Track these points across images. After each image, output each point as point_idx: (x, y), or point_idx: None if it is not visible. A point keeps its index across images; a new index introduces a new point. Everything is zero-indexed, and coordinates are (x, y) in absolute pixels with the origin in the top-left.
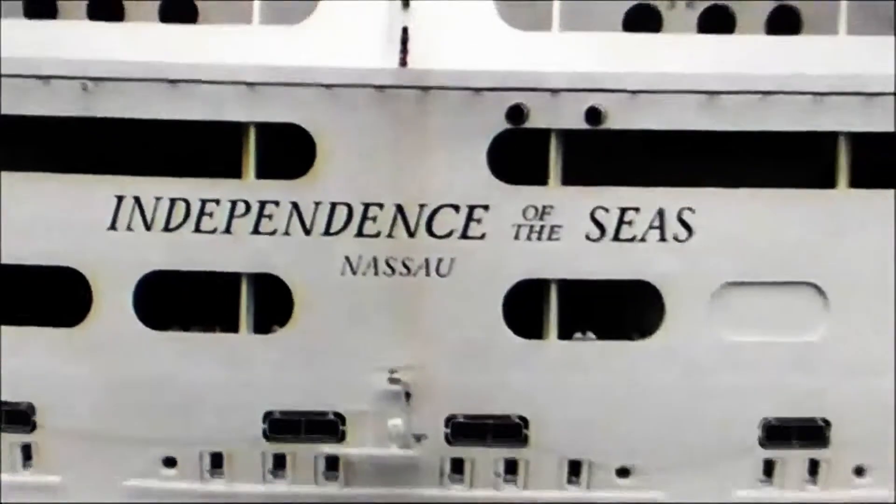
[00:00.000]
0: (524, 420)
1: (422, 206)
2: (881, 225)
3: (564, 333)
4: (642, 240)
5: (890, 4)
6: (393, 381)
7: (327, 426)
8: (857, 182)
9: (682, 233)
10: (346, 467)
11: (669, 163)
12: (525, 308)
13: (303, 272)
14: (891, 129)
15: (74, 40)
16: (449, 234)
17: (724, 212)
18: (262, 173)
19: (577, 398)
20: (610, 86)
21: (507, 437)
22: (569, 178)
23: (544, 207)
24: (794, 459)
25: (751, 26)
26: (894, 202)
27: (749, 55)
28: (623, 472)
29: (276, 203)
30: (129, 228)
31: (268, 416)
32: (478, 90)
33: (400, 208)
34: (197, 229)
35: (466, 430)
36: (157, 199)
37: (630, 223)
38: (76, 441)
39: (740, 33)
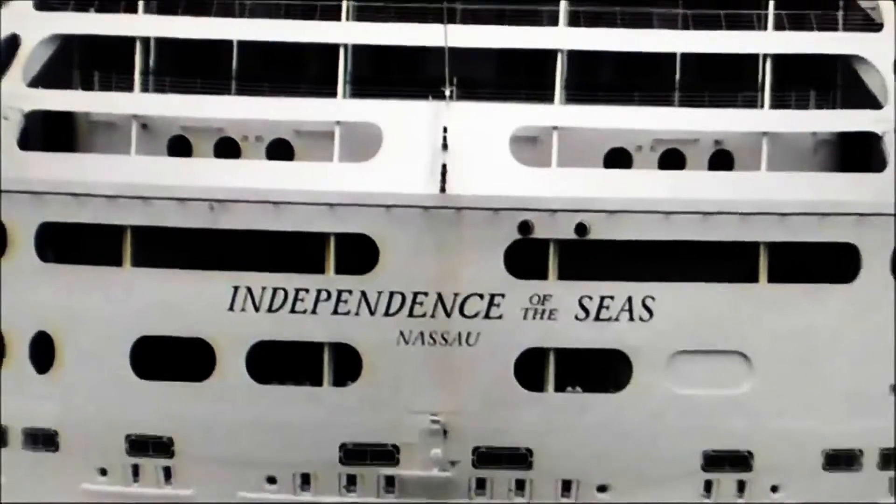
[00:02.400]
0: (530, 450)
1: (455, 294)
2: (792, 308)
3: (559, 387)
4: (616, 319)
5: (799, 148)
6: (434, 422)
7: (386, 454)
8: (774, 277)
9: (645, 315)
10: (400, 485)
11: (636, 263)
12: (531, 369)
13: (369, 342)
14: (800, 239)
15: (204, 173)
16: (475, 315)
17: (676, 299)
18: (340, 269)
19: (568, 435)
20: (593, 207)
21: (517, 463)
22: (563, 275)
23: (544, 296)
24: (726, 480)
25: (697, 164)
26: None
27: (695, 186)
28: (602, 489)
29: (350, 292)
30: (242, 310)
31: (342, 447)
32: (496, 210)
33: (440, 296)
34: (292, 310)
35: (487, 457)
36: (263, 288)
37: (607, 307)
38: (204, 464)
39: (689, 169)
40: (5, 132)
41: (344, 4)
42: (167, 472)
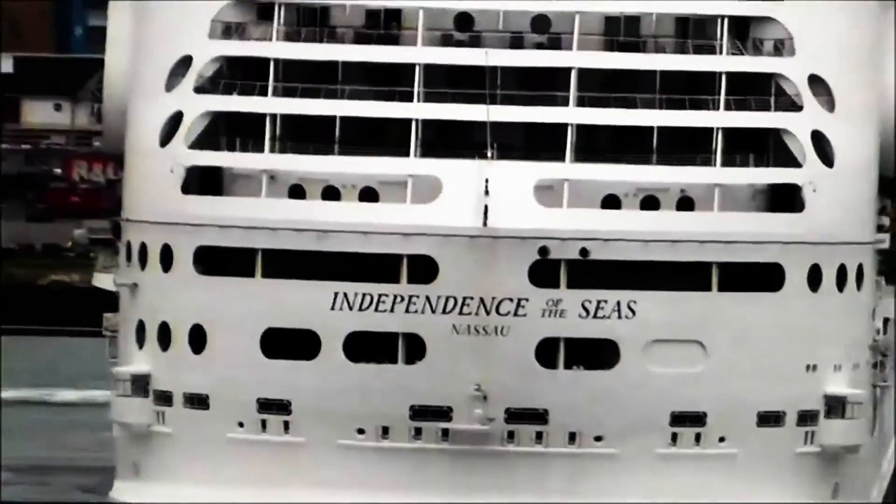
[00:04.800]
0: (546, 411)
1: (493, 298)
2: (735, 309)
3: (567, 366)
4: (608, 317)
5: (742, 195)
6: (477, 390)
7: (443, 413)
8: (723, 287)
9: (630, 314)
10: (452, 435)
11: (624, 277)
12: (547, 352)
13: (431, 332)
14: (741, 260)
15: (314, 211)
16: (507, 314)
17: (652, 303)
18: (410, 280)
19: (573, 400)
20: (593, 237)
21: (537, 420)
22: (570, 284)
23: (557, 300)
24: (686, 432)
25: (668, 206)
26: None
27: (666, 222)
28: (598, 438)
29: (418, 296)
30: (340, 309)
31: (412, 407)
32: (523, 238)
33: (482, 300)
34: (376, 309)
35: (515, 416)
36: (355, 294)
37: (602, 308)
38: (311, 419)
39: (662, 210)
40: (173, 182)
41: (415, 90)
42: (286, 425)
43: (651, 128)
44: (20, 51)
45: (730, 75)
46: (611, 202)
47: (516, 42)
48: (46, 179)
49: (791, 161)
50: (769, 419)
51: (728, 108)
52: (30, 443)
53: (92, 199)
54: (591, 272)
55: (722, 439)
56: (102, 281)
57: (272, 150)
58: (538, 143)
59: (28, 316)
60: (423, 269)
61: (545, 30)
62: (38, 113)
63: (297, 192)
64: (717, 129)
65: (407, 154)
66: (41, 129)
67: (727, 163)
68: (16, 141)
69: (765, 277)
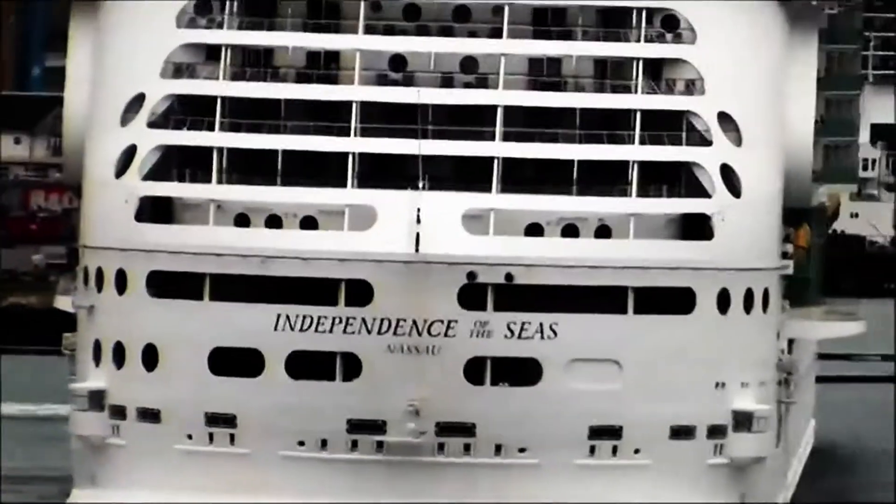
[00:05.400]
0: (474, 424)
1: (425, 320)
2: (649, 331)
3: (494, 382)
4: (531, 338)
5: (656, 224)
6: (410, 405)
7: (378, 426)
8: (638, 310)
9: (552, 335)
10: (387, 447)
11: (546, 299)
12: (475, 370)
13: (367, 352)
14: (655, 285)
15: (258, 238)
16: (438, 334)
17: (572, 324)
18: (348, 303)
19: (499, 414)
20: (517, 262)
21: (466, 433)
22: (497, 307)
23: (485, 321)
24: (604, 445)
25: (587, 234)
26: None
27: (585, 249)
28: (521, 450)
29: (355, 318)
30: (283, 330)
31: (349, 421)
32: (452, 264)
33: (414, 321)
34: (316, 330)
35: (445, 429)
36: (297, 315)
37: (526, 329)
38: (255, 432)
39: (581, 238)
40: (128, 211)
41: (352, 126)
42: (232, 438)
43: (571, 161)
44: None
45: (644, 112)
46: (534, 230)
47: (446, 81)
48: (6, 208)
49: (701, 192)
50: (681, 433)
51: (643, 142)
52: None
53: (49, 227)
54: (515, 296)
55: (637, 451)
56: (62, 303)
57: (219, 182)
58: (467, 175)
59: None
60: (360, 292)
61: (473, 70)
62: None
63: (242, 220)
64: (633, 162)
65: (344, 185)
66: (2, 161)
67: (642, 193)
68: None
69: (677, 301)
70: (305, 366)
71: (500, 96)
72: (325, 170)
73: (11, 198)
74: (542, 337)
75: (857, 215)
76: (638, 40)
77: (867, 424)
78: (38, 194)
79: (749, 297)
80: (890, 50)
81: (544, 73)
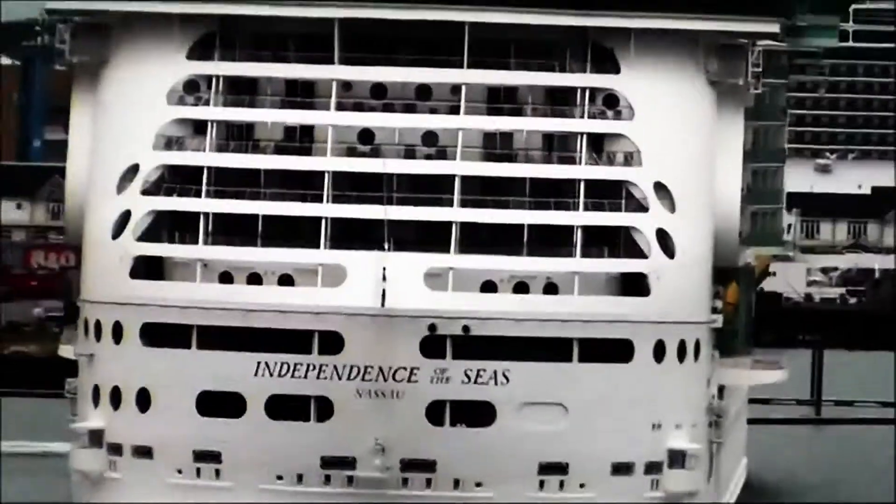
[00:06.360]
0: (434, 461)
1: (390, 367)
2: (593, 378)
3: (452, 424)
4: (486, 384)
5: (598, 281)
6: (377, 443)
7: (349, 462)
8: (583, 358)
9: (504, 381)
10: (356, 481)
11: (499, 349)
12: (435, 412)
13: (338, 396)
14: (597, 336)
15: (240, 294)
16: (402, 380)
17: (523, 371)
18: (321, 352)
19: (457, 452)
20: (473, 316)
21: (427, 468)
22: (455, 356)
23: (443, 369)
24: (552, 480)
25: (536, 291)
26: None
27: (534, 304)
28: (478, 484)
29: (327, 365)
30: (262, 375)
31: (322, 457)
32: (414, 317)
33: (381, 368)
34: (292, 376)
35: (409, 465)
36: (276, 363)
37: (482, 375)
38: (238, 467)
39: (531, 294)
40: (123, 268)
41: (325, 193)
42: (217, 472)
43: (522, 225)
44: None
45: (588, 181)
46: (488, 287)
47: (409, 153)
48: (8, 266)
49: (639, 253)
50: (621, 469)
51: (586, 208)
52: None
53: (48, 283)
54: (472, 346)
55: (582, 486)
56: (65, 351)
57: (205, 243)
58: (428, 238)
59: None
60: (332, 342)
61: (434, 143)
62: (2, 211)
63: (226, 277)
64: (577, 226)
65: (318, 246)
66: (5, 224)
67: (585, 254)
68: None
69: (617, 351)
70: (283, 408)
71: (457, 167)
72: (300, 232)
73: (14, 257)
74: (496, 383)
75: (774, 274)
76: (582, 116)
77: (794, 460)
78: (38, 254)
79: (682, 347)
80: (802, 126)
81: (497, 146)
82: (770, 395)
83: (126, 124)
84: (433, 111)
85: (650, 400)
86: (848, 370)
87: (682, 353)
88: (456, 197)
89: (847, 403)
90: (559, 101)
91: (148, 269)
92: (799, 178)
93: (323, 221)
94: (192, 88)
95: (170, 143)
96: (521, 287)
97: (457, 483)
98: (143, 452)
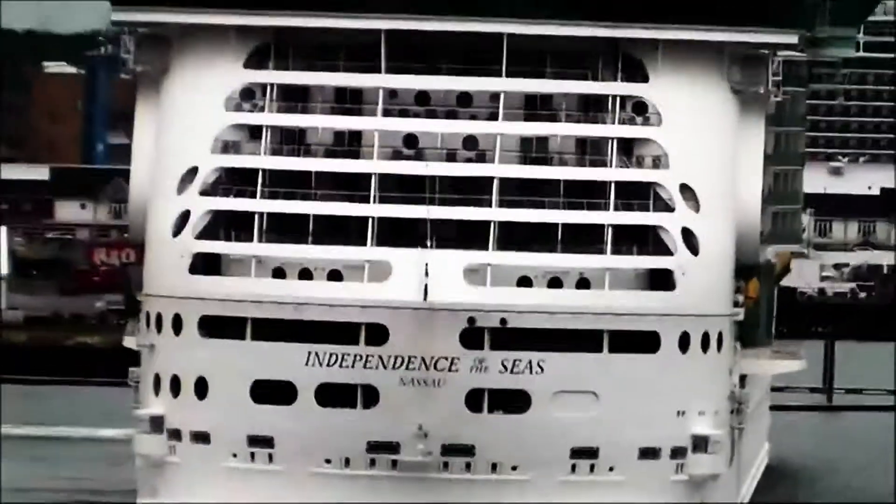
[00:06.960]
0: (473, 446)
1: (432, 357)
2: (622, 367)
3: (490, 410)
4: (522, 373)
5: (628, 277)
6: (419, 429)
7: (393, 447)
8: (613, 349)
9: (539, 370)
10: (400, 465)
11: (535, 340)
12: (474, 400)
13: (383, 384)
14: (626, 329)
15: (292, 288)
16: (444, 369)
17: (557, 361)
18: (368, 342)
19: (494, 437)
20: (510, 309)
21: (466, 453)
22: (493, 346)
23: (482, 359)
24: (583, 463)
25: (570, 285)
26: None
27: (568, 298)
28: (514, 468)
29: (373, 355)
30: (312, 365)
31: (368, 443)
32: (454, 310)
33: (423, 358)
34: (340, 366)
35: (449, 450)
36: (325, 353)
37: (518, 365)
38: (289, 451)
39: (565, 288)
40: (183, 265)
41: (371, 194)
42: (270, 457)
43: (556, 224)
44: (55, 163)
45: (618, 183)
46: (524, 282)
47: (451, 157)
48: (74, 263)
49: (665, 250)
50: (648, 453)
51: (616, 209)
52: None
53: (109, 279)
54: (508, 337)
55: (611, 469)
56: (128, 342)
57: (260, 240)
58: (467, 236)
59: (57, 369)
60: (377, 334)
61: (474, 147)
62: (68, 211)
63: (279, 273)
64: (608, 225)
65: (364, 244)
66: (70, 223)
67: (616, 251)
68: (51, 232)
69: (645, 342)
70: (331, 396)
71: (496, 169)
72: (348, 231)
73: (78, 254)
74: (531, 372)
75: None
76: (612, 122)
77: (810, 445)
78: (101, 251)
79: (706, 339)
80: (816, 131)
81: (533, 150)
82: (785, 383)
83: (186, 129)
84: (473, 117)
85: (675, 388)
86: (858, 360)
87: (705, 345)
88: (494, 197)
89: (857, 391)
90: (591, 107)
91: (206, 265)
92: (813, 180)
93: (370, 221)
94: (248, 96)
95: (227, 147)
96: (555, 282)
97: (494, 467)
98: (201, 437)
